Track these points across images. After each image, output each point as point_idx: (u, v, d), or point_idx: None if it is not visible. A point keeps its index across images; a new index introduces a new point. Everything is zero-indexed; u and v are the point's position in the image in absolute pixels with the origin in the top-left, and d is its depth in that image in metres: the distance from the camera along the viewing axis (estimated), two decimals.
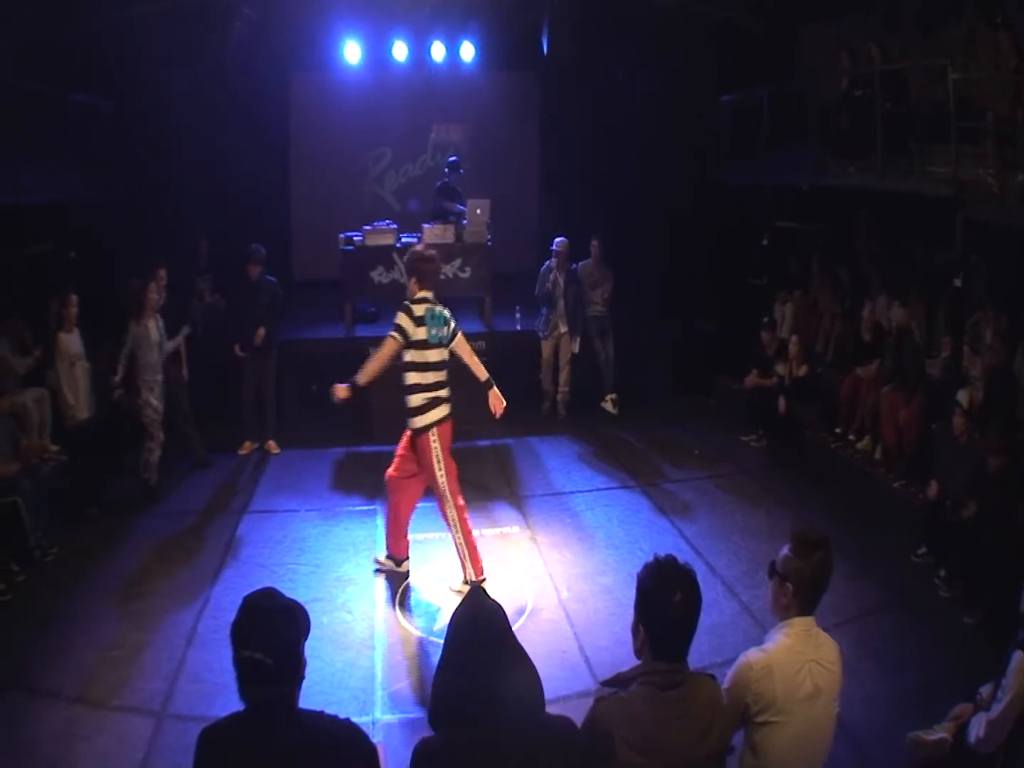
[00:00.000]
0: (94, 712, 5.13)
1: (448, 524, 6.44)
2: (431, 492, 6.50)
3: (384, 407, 10.11)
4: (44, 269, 9.60)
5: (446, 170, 11.58)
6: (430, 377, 6.28)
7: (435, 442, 6.30)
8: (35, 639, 5.88)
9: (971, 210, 8.03)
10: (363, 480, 8.74)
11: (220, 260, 11.01)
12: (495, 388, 6.48)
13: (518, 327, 11.40)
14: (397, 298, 11.01)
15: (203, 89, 11.42)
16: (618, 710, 2.63)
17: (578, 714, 2.70)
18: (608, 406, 10.71)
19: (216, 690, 5.16)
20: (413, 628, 6.11)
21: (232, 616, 2.41)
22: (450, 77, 13.29)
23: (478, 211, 10.91)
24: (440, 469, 6.32)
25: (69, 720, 5.04)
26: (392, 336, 6.19)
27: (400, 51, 12.73)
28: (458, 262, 10.98)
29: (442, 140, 14.26)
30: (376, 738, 4.78)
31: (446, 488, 6.34)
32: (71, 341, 8.15)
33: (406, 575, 6.83)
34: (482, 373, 6.48)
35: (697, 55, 12.01)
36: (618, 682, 2.73)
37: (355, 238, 10.94)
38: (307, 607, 2.51)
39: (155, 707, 5.18)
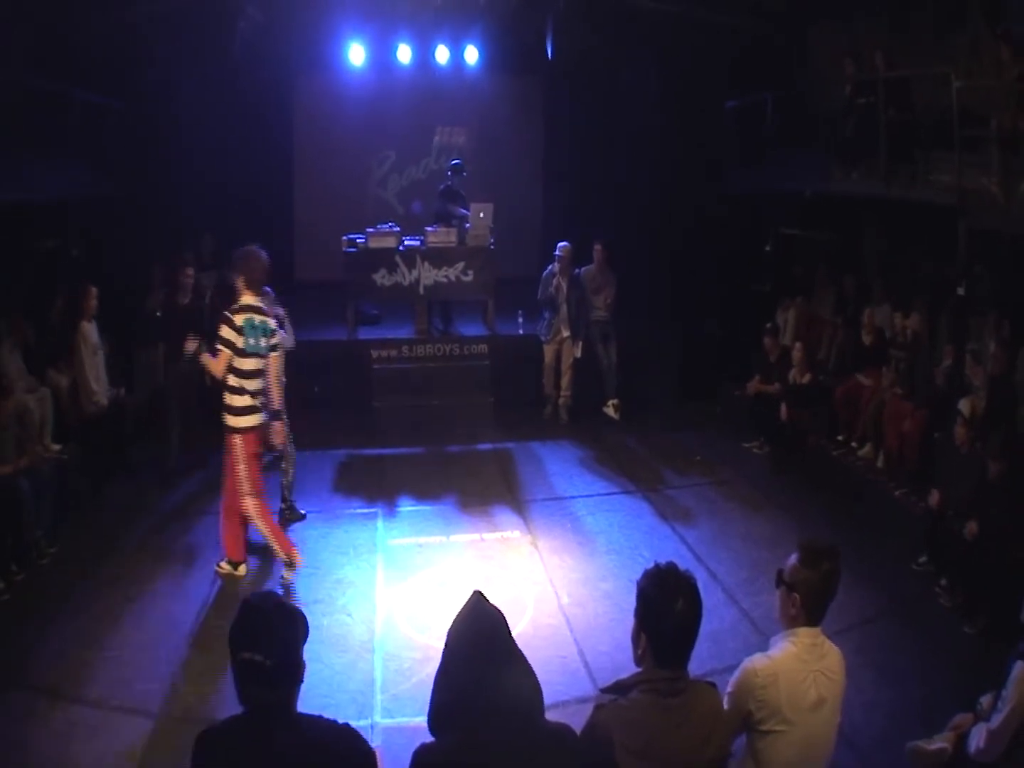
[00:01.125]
0: (93, 712, 5.13)
1: (250, 517, 6.56)
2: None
3: (387, 409, 10.19)
4: (47, 267, 9.63)
5: (448, 173, 11.59)
6: (249, 384, 6.42)
7: (240, 447, 6.42)
8: (35, 639, 5.87)
9: (974, 219, 8.02)
10: (364, 482, 8.76)
11: (224, 259, 11.01)
12: (281, 422, 6.69)
13: (520, 331, 11.41)
14: (400, 300, 11.26)
15: (209, 90, 11.46)
16: (618, 717, 2.63)
17: (578, 720, 2.69)
18: (610, 411, 10.70)
19: (215, 692, 5.16)
20: (413, 632, 6.10)
21: (230, 617, 2.41)
22: (454, 80, 13.30)
23: (481, 215, 10.92)
24: (241, 472, 6.44)
25: (68, 720, 5.04)
26: (220, 349, 6.34)
27: (404, 54, 12.74)
28: (461, 265, 10.99)
29: (446, 143, 14.28)
30: (375, 742, 4.79)
31: (243, 488, 6.45)
32: (91, 331, 8.47)
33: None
34: (275, 401, 6.61)
35: (703, 59, 12.00)
36: (618, 689, 2.73)
37: (358, 240, 10.97)
38: (306, 609, 2.51)
39: (154, 708, 5.17)
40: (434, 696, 2.48)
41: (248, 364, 6.36)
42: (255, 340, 6.34)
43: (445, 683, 2.46)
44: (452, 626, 2.52)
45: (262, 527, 6.58)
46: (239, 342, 6.29)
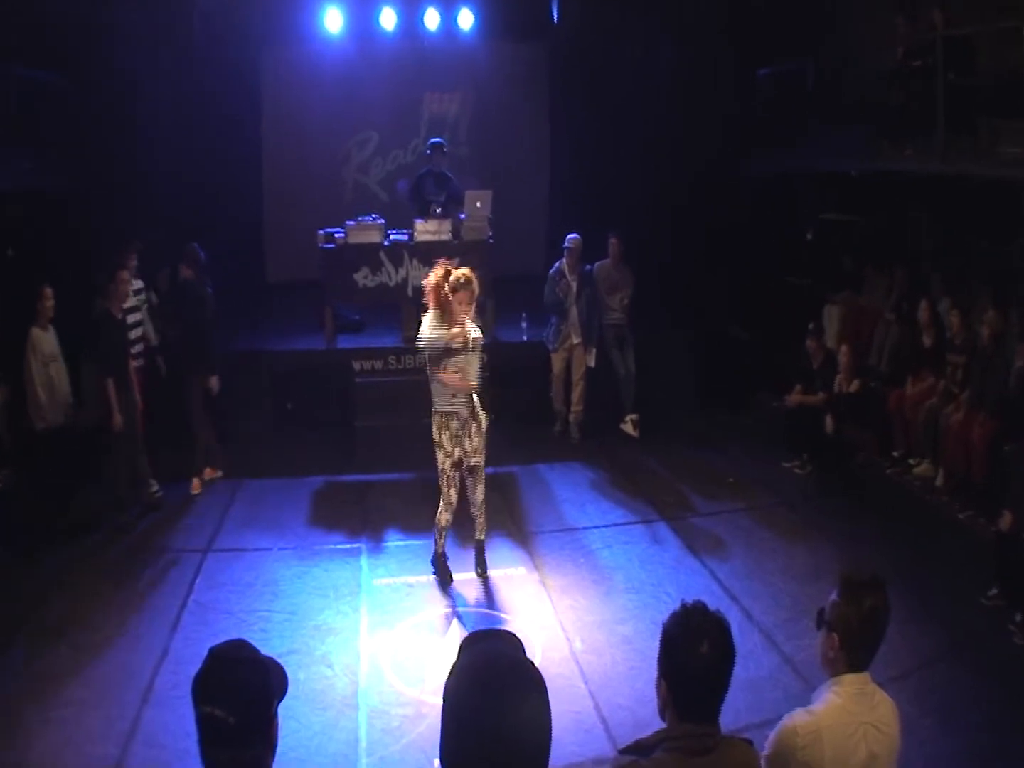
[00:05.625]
0: None
1: None
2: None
3: (371, 429, 10.17)
4: None
5: (428, 153, 11.53)
6: None
7: None
8: None
9: None
10: (346, 514, 8.76)
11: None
12: None
13: (524, 337, 11.43)
14: (385, 303, 11.26)
15: (163, 65, 11.49)
16: None
17: None
18: (628, 428, 10.70)
19: (175, 756, 5.15)
20: (403, 685, 6.10)
21: (194, 669, 2.41)
22: (446, 49, 13.34)
23: (478, 204, 10.92)
24: None
25: None
26: None
27: (388, 19, 12.80)
28: (455, 262, 10.94)
29: (436, 114, 14.16)
30: None
31: None
32: (46, 339, 8.47)
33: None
34: None
35: (727, 24, 12.05)
36: (639, 749, 2.71)
37: (336, 235, 10.97)
38: (281, 661, 2.51)
39: None
40: (444, 760, 2.44)
41: None
42: None
43: (454, 747, 2.42)
44: (452, 676, 2.49)
45: None
46: None
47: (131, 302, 9.22)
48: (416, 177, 11.63)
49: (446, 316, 7.03)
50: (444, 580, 7.45)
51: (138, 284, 9.69)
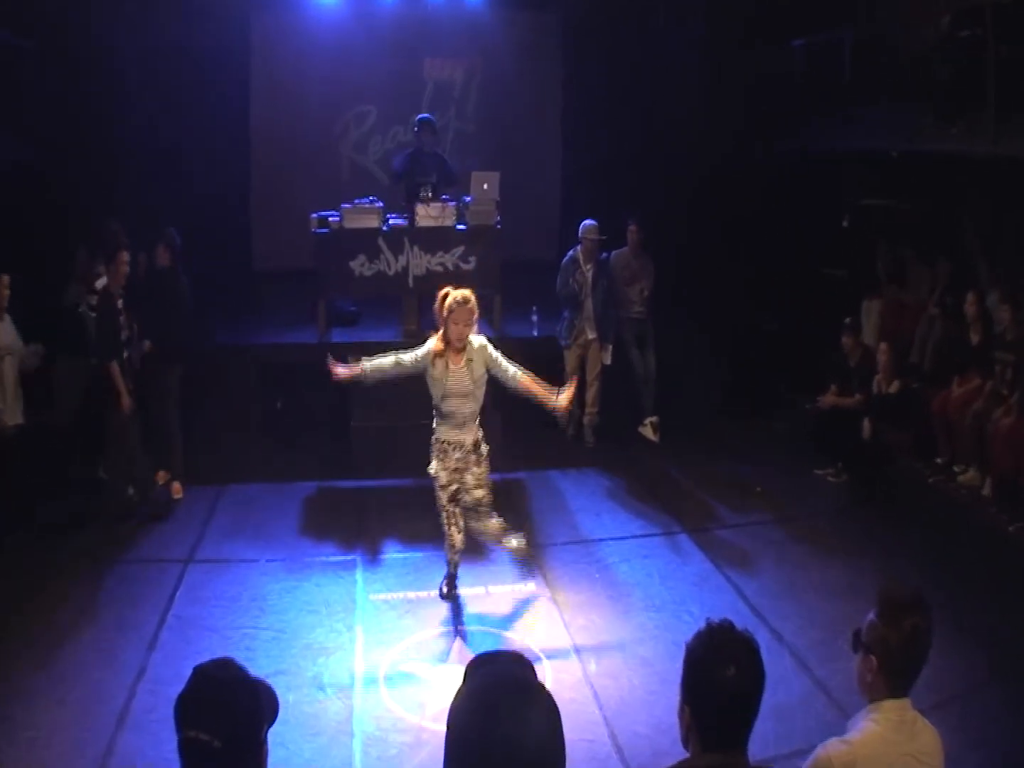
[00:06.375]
0: None
1: None
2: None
3: (366, 432, 10.17)
4: None
5: (415, 130, 11.43)
6: None
7: None
8: None
9: None
10: (340, 523, 8.78)
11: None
12: None
13: (535, 332, 11.42)
14: (384, 294, 11.25)
15: (143, 31, 11.50)
16: None
17: None
18: (647, 432, 10.71)
19: None
20: (401, 710, 6.10)
21: (174, 691, 2.42)
22: (451, 15, 13.40)
23: (484, 186, 10.89)
24: None
25: None
26: None
27: None
28: (460, 250, 10.97)
29: (441, 92, 14.20)
30: None
31: None
32: (1, 330, 8.43)
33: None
34: None
35: None
36: None
37: (331, 219, 10.94)
38: (269, 682, 2.51)
39: None
40: None
41: None
42: None
43: None
44: (453, 703, 2.50)
45: None
46: None
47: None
48: (403, 157, 11.54)
49: (447, 346, 6.92)
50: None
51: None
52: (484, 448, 7.19)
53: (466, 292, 6.91)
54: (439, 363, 6.89)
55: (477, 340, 7.05)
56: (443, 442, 7.08)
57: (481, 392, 7.08)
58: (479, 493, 7.14)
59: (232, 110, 13.27)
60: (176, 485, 9.43)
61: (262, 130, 13.76)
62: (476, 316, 6.97)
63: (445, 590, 7.44)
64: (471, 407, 7.01)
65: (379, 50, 13.33)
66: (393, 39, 13.30)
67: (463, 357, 6.94)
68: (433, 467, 7.12)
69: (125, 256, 8.81)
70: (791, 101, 12.64)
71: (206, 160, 12.14)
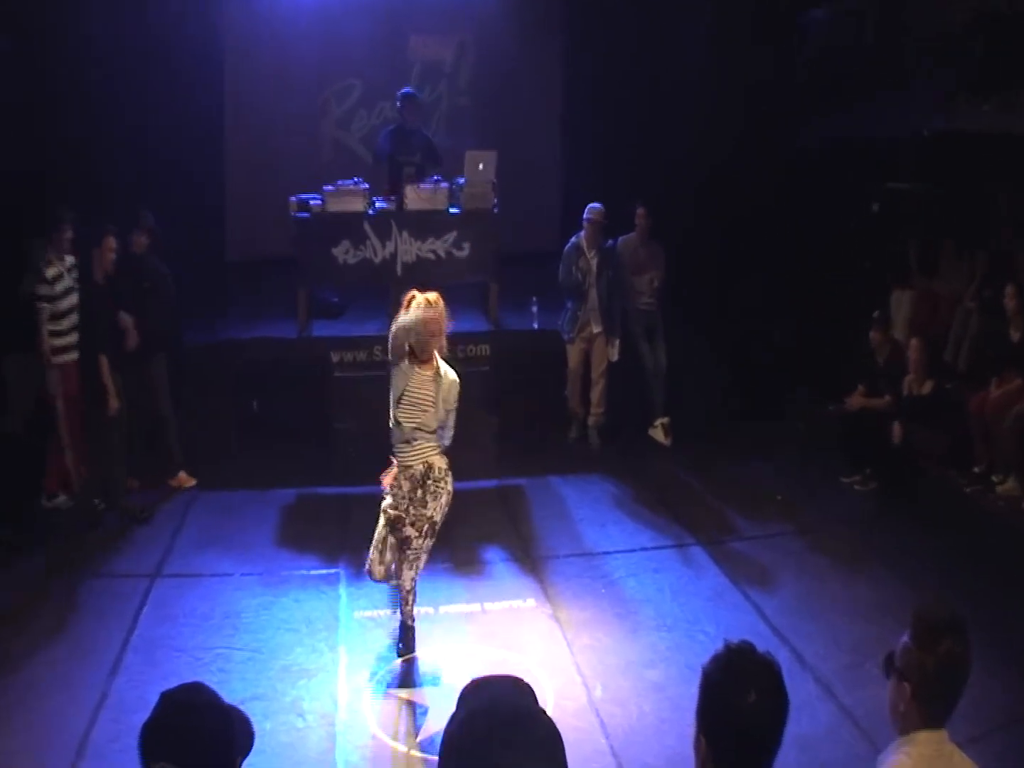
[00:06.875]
0: None
1: None
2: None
3: (351, 434, 10.15)
4: None
5: (398, 105, 11.44)
6: None
7: None
8: None
9: None
10: (322, 533, 8.77)
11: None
12: None
13: (535, 325, 11.44)
14: (369, 282, 11.23)
15: (108, 3, 11.46)
16: None
17: None
18: (658, 434, 10.71)
19: None
20: (388, 739, 6.10)
21: (138, 718, 2.40)
22: None
23: (480, 166, 10.87)
24: None
25: None
26: None
27: None
28: (452, 236, 10.96)
29: (430, 66, 14.20)
30: None
31: None
32: None
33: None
34: None
35: None
36: None
37: (312, 202, 10.95)
38: (244, 708, 2.49)
39: None
40: None
41: None
42: None
43: None
44: (447, 732, 2.48)
45: None
46: None
47: (65, 283, 9.17)
48: (385, 133, 11.56)
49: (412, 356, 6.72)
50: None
51: (70, 260, 9.64)
52: (440, 479, 6.80)
53: (431, 295, 6.69)
54: (409, 360, 6.72)
55: (451, 374, 6.84)
56: (397, 465, 6.86)
57: (439, 415, 6.79)
58: (408, 532, 6.76)
59: (204, 84, 13.10)
60: (183, 475, 9.71)
61: (237, 106, 13.66)
62: (444, 325, 6.73)
63: (401, 647, 7.02)
64: (421, 421, 6.73)
65: (363, 18, 13.28)
66: (379, 7, 13.28)
67: (432, 368, 6.76)
68: (385, 483, 6.94)
69: (111, 242, 8.86)
70: (811, 76, 12.63)
71: (176, 140, 12.05)
